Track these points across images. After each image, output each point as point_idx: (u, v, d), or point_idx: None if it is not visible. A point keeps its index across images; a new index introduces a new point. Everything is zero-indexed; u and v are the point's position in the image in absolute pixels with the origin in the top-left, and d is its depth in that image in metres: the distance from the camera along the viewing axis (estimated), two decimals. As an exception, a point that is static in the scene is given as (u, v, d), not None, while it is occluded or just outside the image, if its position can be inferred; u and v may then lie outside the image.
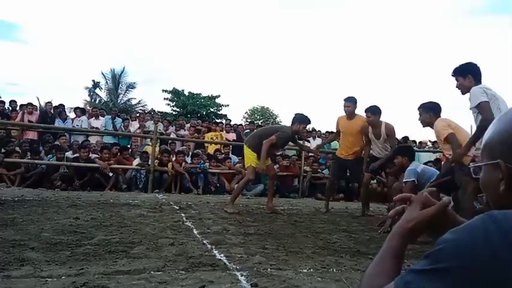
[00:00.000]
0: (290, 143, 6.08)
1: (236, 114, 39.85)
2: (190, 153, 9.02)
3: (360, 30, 64.02)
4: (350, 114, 5.91)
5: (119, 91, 28.69)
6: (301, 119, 5.62)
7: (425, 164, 9.08)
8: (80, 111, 10.24)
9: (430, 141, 11.48)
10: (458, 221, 0.88)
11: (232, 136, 10.63)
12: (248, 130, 11.18)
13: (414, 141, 11.32)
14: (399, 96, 61.24)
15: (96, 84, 28.55)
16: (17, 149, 7.83)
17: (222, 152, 9.37)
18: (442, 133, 3.99)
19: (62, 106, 10.06)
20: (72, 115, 10.29)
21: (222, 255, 2.77)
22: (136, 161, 8.11)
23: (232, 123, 12.77)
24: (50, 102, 10.28)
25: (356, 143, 5.95)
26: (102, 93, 28.87)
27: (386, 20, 65.16)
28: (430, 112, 4.26)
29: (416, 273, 0.70)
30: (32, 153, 7.71)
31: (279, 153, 9.01)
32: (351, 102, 5.92)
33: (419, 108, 4.39)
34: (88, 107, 15.80)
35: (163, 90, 26.21)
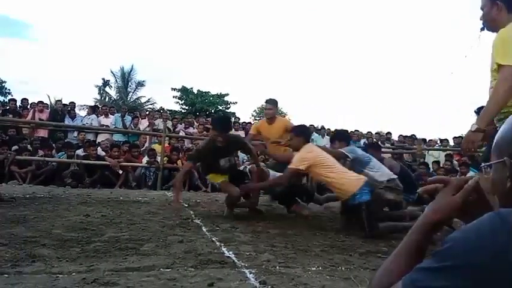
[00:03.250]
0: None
1: (245, 113, 39.93)
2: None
3: (370, 28, 63.59)
4: (271, 118, 5.38)
5: (129, 89, 28.82)
6: None
7: (434, 162, 9.14)
8: (90, 109, 10.35)
9: (439, 139, 11.40)
10: (489, 202, 0.86)
11: (240, 134, 10.63)
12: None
13: (424, 140, 11.24)
14: (407, 94, 60.85)
15: (106, 83, 28.73)
16: (28, 147, 7.94)
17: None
18: (296, 163, 3.92)
19: (72, 104, 10.16)
20: (82, 113, 10.39)
21: (230, 252, 2.78)
22: (146, 159, 8.16)
23: (240, 121, 12.77)
24: (60, 101, 10.38)
25: (282, 148, 5.29)
26: (112, 92, 29.06)
27: (395, 16, 64.73)
28: (300, 136, 4.19)
29: (424, 271, 0.70)
30: (45, 150, 7.80)
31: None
32: (271, 105, 5.42)
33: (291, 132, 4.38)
34: (98, 105, 15.92)
35: (172, 89, 26.29)
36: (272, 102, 5.43)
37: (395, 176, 4.28)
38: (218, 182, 4.62)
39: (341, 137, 4.88)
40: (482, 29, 2.53)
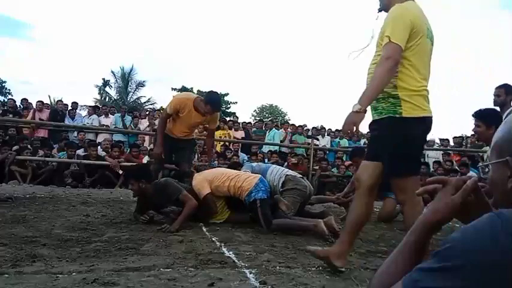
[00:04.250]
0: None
1: (245, 113, 39.95)
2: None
3: (370, 27, 63.53)
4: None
5: (129, 89, 28.87)
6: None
7: (435, 162, 9.14)
8: (92, 109, 10.36)
9: (440, 139, 11.39)
10: (487, 203, 0.85)
11: (240, 134, 10.63)
12: (256, 128, 11.18)
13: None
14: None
15: (106, 83, 28.76)
16: (29, 146, 7.94)
17: (231, 149, 9.40)
18: (201, 192, 3.90)
19: (75, 104, 10.16)
20: (82, 113, 10.37)
21: (230, 252, 2.78)
22: (146, 159, 8.15)
23: (240, 121, 12.77)
24: (60, 101, 10.37)
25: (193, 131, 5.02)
26: (112, 92, 29.11)
27: (396, 17, 64.54)
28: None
29: (424, 271, 0.70)
30: (45, 149, 7.80)
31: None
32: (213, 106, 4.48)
33: None
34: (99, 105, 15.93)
35: (172, 89, 26.35)
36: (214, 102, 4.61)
37: (290, 172, 4.60)
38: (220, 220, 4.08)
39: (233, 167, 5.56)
40: (379, 10, 2.48)
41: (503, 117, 3.96)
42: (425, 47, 2.29)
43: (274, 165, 5.04)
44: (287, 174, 4.44)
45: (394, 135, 2.26)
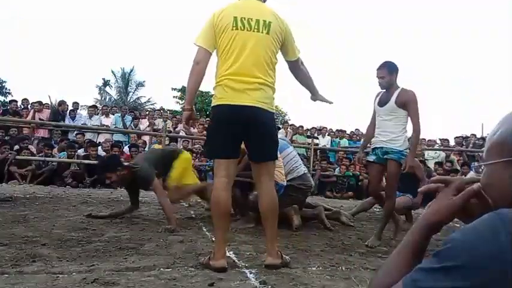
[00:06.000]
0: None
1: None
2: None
3: (370, 26, 63.63)
4: None
5: (129, 89, 28.85)
6: None
7: (436, 163, 9.13)
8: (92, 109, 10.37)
9: (440, 139, 11.38)
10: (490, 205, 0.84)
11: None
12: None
13: (423, 139, 11.21)
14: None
15: (106, 83, 28.74)
16: (32, 148, 7.94)
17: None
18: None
19: (76, 104, 10.14)
20: (83, 112, 10.35)
21: (231, 252, 2.78)
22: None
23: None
24: (63, 101, 10.38)
25: None
26: (112, 92, 29.08)
27: (395, 14, 64.64)
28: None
29: (425, 271, 0.70)
30: (45, 149, 7.80)
31: None
32: None
33: None
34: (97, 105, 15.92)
35: (172, 89, 26.30)
36: None
37: (304, 170, 4.30)
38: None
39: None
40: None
41: (394, 97, 3.43)
42: (236, 39, 2.38)
43: (296, 153, 4.59)
44: (304, 172, 4.23)
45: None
